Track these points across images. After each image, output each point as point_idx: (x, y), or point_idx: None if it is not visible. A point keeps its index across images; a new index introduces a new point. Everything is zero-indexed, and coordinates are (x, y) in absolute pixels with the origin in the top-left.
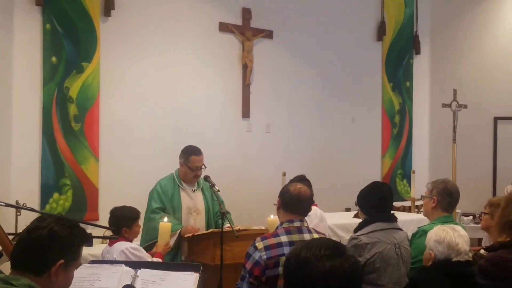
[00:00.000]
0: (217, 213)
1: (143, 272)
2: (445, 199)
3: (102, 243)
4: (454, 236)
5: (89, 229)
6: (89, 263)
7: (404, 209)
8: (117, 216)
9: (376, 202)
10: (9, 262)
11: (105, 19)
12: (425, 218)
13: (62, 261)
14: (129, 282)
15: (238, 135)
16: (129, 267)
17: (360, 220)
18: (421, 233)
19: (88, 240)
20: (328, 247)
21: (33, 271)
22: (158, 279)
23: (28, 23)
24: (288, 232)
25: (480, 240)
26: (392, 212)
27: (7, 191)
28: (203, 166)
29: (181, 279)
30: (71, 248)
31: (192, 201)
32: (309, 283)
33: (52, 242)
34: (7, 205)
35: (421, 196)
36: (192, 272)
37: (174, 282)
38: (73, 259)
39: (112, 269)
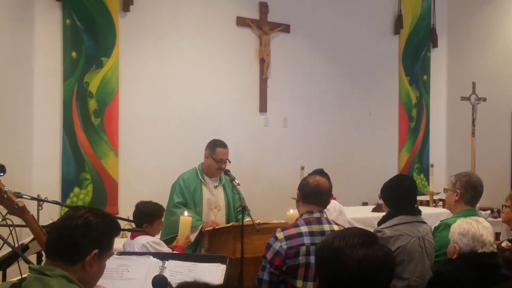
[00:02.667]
0: (237, 208)
1: (170, 264)
2: (468, 193)
3: (121, 237)
4: (478, 228)
5: None
6: (117, 254)
7: (422, 203)
8: (141, 210)
9: (400, 195)
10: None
11: (124, 14)
12: (445, 212)
13: (96, 250)
14: (157, 273)
15: (256, 129)
16: (157, 258)
17: (382, 214)
18: (444, 226)
19: (120, 231)
20: (361, 236)
21: (68, 259)
22: (186, 270)
23: (48, 19)
24: (308, 223)
25: (498, 234)
26: (416, 205)
27: (28, 185)
28: (227, 161)
29: (208, 270)
30: (105, 238)
31: (214, 197)
32: (343, 272)
33: (87, 231)
34: (33, 198)
35: (444, 189)
36: (219, 264)
37: (201, 273)
38: (106, 249)
39: (140, 260)
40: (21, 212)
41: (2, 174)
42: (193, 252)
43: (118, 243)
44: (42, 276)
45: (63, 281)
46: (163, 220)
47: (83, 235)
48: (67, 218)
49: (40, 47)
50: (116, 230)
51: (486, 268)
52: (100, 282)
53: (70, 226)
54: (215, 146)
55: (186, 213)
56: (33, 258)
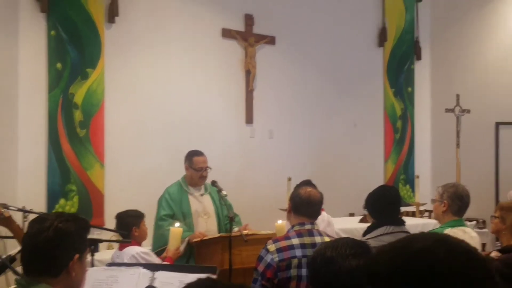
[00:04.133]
0: (226, 216)
1: (160, 275)
2: (455, 203)
3: (108, 249)
4: (465, 238)
5: (96, 234)
6: (106, 265)
7: (408, 214)
8: (124, 217)
9: (384, 205)
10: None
11: (109, 25)
12: (430, 222)
13: (77, 255)
14: (147, 284)
15: (242, 140)
16: (147, 269)
17: (368, 224)
18: None
19: (89, 226)
20: (353, 246)
21: (50, 273)
22: (176, 281)
23: (33, 30)
24: (299, 234)
25: (483, 245)
26: (399, 215)
27: (13, 197)
28: (208, 168)
29: None
30: (81, 239)
31: (201, 205)
32: (336, 282)
33: (62, 240)
34: (19, 209)
35: (431, 199)
36: (209, 274)
37: None
38: (84, 249)
39: (129, 271)
40: (7, 222)
41: None
42: (186, 263)
43: (106, 254)
44: None
45: None
46: (152, 234)
47: (59, 246)
48: (36, 233)
49: (24, 58)
50: (87, 228)
51: None
52: None
53: (42, 240)
54: (192, 156)
55: (177, 224)
56: (20, 269)
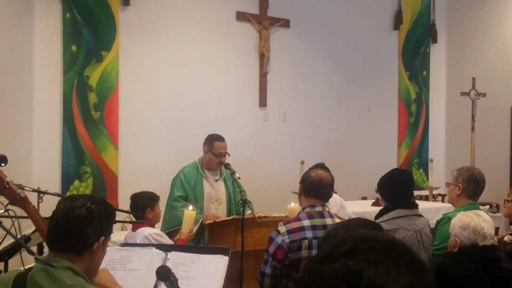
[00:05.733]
0: (238, 202)
1: (173, 255)
2: (470, 187)
3: (121, 230)
4: (478, 221)
5: None
6: (120, 245)
7: (421, 198)
8: (139, 198)
9: (397, 189)
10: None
11: (124, 8)
12: (443, 206)
13: (103, 237)
14: (160, 265)
15: (255, 124)
16: (160, 250)
17: (380, 208)
18: (446, 220)
19: (115, 212)
20: (365, 226)
21: (75, 250)
22: (188, 261)
23: (48, 13)
24: (310, 216)
25: (497, 229)
26: (412, 199)
27: (28, 178)
28: (227, 154)
29: (211, 261)
30: (108, 223)
31: (214, 191)
32: None
33: (92, 220)
34: (34, 190)
35: (446, 183)
36: (222, 255)
37: (204, 265)
38: (109, 234)
39: (143, 251)
40: (23, 202)
41: (3, 164)
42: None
43: (120, 235)
44: (49, 267)
45: (69, 273)
46: (163, 214)
47: (89, 225)
48: (69, 209)
49: (40, 41)
50: (114, 215)
51: (487, 261)
52: None
53: (73, 217)
54: (213, 141)
55: (190, 207)
56: (34, 249)
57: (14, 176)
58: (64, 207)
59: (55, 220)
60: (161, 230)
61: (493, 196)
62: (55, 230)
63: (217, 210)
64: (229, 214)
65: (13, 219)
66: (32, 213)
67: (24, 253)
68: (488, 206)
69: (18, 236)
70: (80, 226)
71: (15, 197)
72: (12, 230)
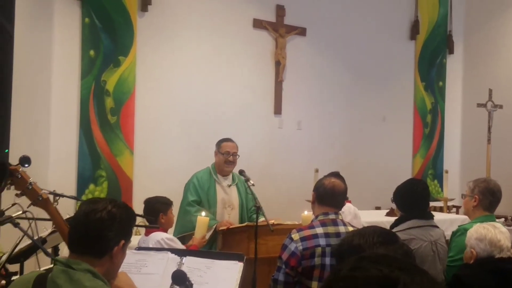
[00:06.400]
0: (250, 208)
1: (188, 260)
2: (487, 198)
3: (135, 234)
4: (495, 233)
5: None
6: (135, 249)
7: (435, 209)
8: (153, 203)
9: (413, 199)
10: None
11: (142, 14)
12: (459, 218)
13: (123, 241)
14: (174, 269)
15: (270, 131)
16: (175, 254)
17: (394, 218)
18: (462, 231)
19: (136, 217)
20: (381, 234)
21: (95, 253)
22: (203, 266)
23: (67, 17)
24: (323, 224)
25: None
26: (428, 209)
27: (45, 181)
28: (236, 154)
29: (225, 267)
30: (129, 227)
31: (227, 196)
32: None
33: (113, 223)
34: (50, 193)
35: (462, 194)
36: (237, 261)
37: (219, 271)
38: (129, 238)
39: (158, 256)
40: (45, 203)
41: (27, 165)
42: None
43: (133, 239)
44: (69, 269)
45: (89, 275)
46: (176, 218)
47: (110, 228)
48: (90, 212)
49: (58, 45)
50: (135, 218)
51: (504, 273)
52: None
53: (95, 220)
54: (221, 142)
55: (203, 213)
56: (49, 251)
57: (31, 178)
58: (86, 210)
59: (76, 223)
60: (173, 235)
61: (508, 209)
62: (76, 233)
63: (230, 215)
64: (241, 220)
65: (30, 221)
66: (54, 214)
67: (40, 255)
68: (503, 219)
69: (35, 238)
70: (100, 229)
71: (38, 198)
72: (29, 232)
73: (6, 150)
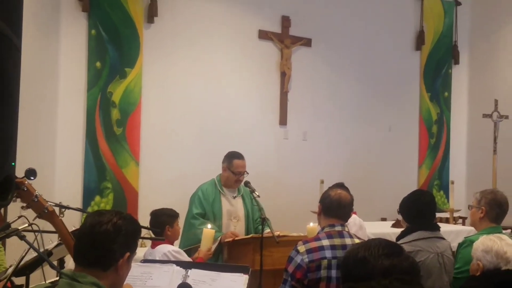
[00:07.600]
0: (256, 219)
1: (193, 272)
2: (494, 210)
3: (141, 246)
4: (501, 245)
5: None
6: (141, 262)
7: (441, 220)
8: (159, 215)
9: (419, 210)
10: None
11: (148, 25)
12: (465, 229)
13: (128, 253)
14: (180, 282)
15: (275, 142)
16: (180, 267)
17: (400, 229)
18: (468, 243)
19: (141, 229)
20: (386, 247)
21: (100, 266)
22: (209, 279)
23: (74, 29)
24: (329, 236)
25: None
26: (434, 221)
27: (51, 193)
28: (246, 172)
29: (231, 280)
30: (134, 239)
31: (233, 208)
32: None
33: (118, 235)
34: (56, 205)
35: (469, 205)
36: (242, 274)
37: (224, 283)
38: (134, 250)
39: (163, 268)
40: (51, 216)
41: (32, 178)
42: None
43: (139, 252)
44: (74, 282)
45: None
46: (181, 231)
47: (115, 240)
48: (96, 224)
49: (65, 57)
50: (140, 231)
51: (510, 285)
52: None
53: (101, 232)
54: (232, 158)
55: (209, 225)
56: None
57: (37, 190)
58: (91, 222)
59: (81, 235)
60: (179, 248)
61: None
62: (81, 245)
63: (235, 227)
64: (247, 232)
65: (36, 234)
66: (59, 227)
67: (46, 268)
68: (510, 230)
69: (41, 250)
70: (106, 241)
71: (43, 210)
72: (35, 244)
73: (13, 164)
